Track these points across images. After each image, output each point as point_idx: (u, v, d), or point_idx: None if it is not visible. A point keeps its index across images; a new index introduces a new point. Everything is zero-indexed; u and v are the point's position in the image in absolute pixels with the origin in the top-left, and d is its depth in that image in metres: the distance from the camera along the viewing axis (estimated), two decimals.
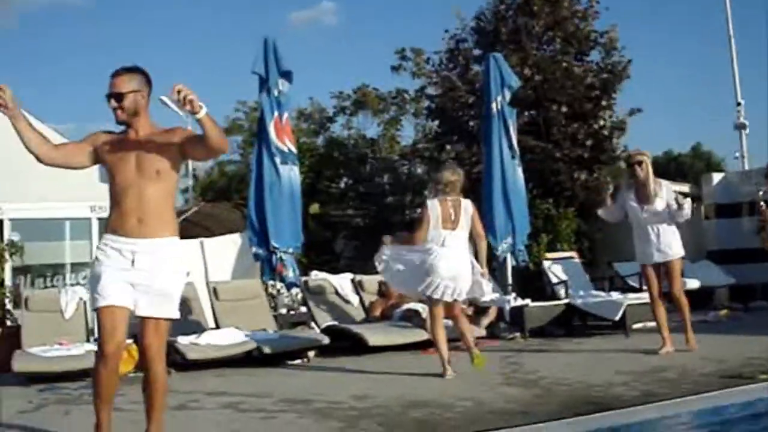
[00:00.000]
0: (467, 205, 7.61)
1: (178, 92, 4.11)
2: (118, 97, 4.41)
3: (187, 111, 4.22)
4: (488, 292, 8.38)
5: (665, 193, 8.31)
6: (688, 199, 8.44)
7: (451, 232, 7.44)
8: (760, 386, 6.18)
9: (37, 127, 4.58)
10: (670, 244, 8.31)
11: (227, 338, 8.55)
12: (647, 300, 10.54)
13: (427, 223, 7.46)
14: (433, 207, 7.50)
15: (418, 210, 7.78)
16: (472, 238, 7.72)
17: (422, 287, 7.45)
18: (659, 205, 8.27)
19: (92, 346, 7.44)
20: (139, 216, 4.38)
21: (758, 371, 6.66)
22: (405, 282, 7.87)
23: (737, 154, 19.97)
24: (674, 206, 8.22)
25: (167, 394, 4.66)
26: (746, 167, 18.67)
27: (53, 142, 4.60)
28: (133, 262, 4.39)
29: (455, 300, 7.56)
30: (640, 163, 8.30)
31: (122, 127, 4.56)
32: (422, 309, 9.23)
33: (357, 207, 21.52)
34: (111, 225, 4.49)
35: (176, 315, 4.52)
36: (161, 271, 4.43)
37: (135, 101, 4.43)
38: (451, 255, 7.39)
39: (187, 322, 9.19)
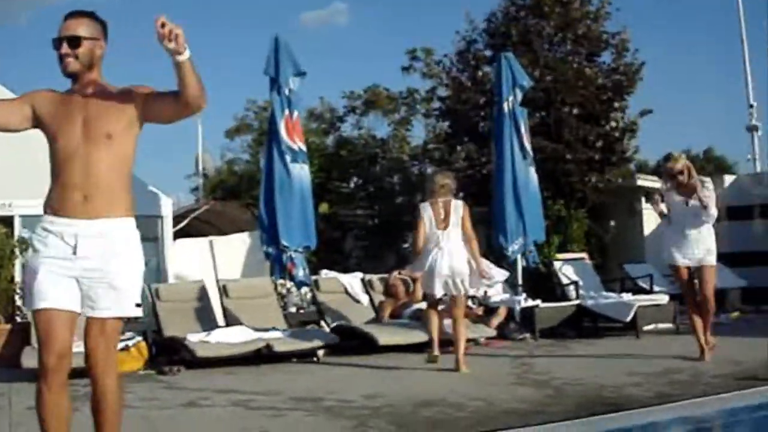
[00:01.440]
0: (458, 206, 7.98)
1: (162, 25, 3.28)
2: (74, 41, 3.60)
3: (170, 49, 3.33)
4: (494, 277, 9.21)
5: (709, 190, 7.94)
6: (713, 197, 8.06)
7: (443, 231, 7.85)
8: None
9: None
10: (710, 248, 8.09)
11: (237, 336, 8.51)
12: (658, 302, 10.56)
13: (423, 224, 7.93)
14: (425, 209, 7.98)
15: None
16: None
17: (429, 286, 7.89)
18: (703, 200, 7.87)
19: None
20: (85, 191, 3.55)
21: None
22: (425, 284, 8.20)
23: (749, 157, 19.94)
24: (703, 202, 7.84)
25: (120, 412, 3.63)
26: (758, 169, 18.62)
27: None
28: (75, 248, 3.54)
29: (457, 296, 7.84)
30: (681, 172, 7.93)
31: (69, 87, 3.73)
32: None
33: (366, 207, 21.50)
34: (50, 203, 3.62)
35: (132, 312, 3.64)
36: (112, 260, 3.57)
37: (92, 51, 3.65)
38: (446, 253, 7.79)
39: (197, 320, 9.20)
